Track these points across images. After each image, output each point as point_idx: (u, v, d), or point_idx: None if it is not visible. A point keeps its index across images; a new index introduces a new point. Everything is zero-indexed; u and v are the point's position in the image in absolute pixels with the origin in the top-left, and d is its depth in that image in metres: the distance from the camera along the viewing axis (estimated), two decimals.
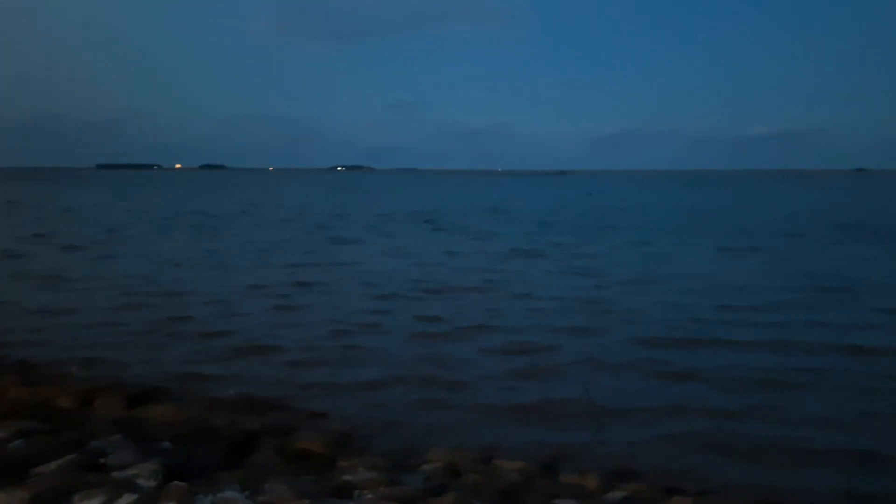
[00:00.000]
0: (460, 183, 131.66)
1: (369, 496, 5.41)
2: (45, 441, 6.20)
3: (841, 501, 6.01)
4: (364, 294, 14.94)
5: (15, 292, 14.82)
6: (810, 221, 36.18)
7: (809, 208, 48.75)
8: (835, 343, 10.85)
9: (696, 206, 53.61)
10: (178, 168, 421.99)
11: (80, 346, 10.55)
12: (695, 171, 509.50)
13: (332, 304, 13.90)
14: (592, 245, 24.88)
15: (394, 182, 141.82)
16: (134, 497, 5.11)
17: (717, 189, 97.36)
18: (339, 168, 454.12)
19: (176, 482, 5.43)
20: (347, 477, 5.84)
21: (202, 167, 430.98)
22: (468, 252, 22.42)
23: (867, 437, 7.37)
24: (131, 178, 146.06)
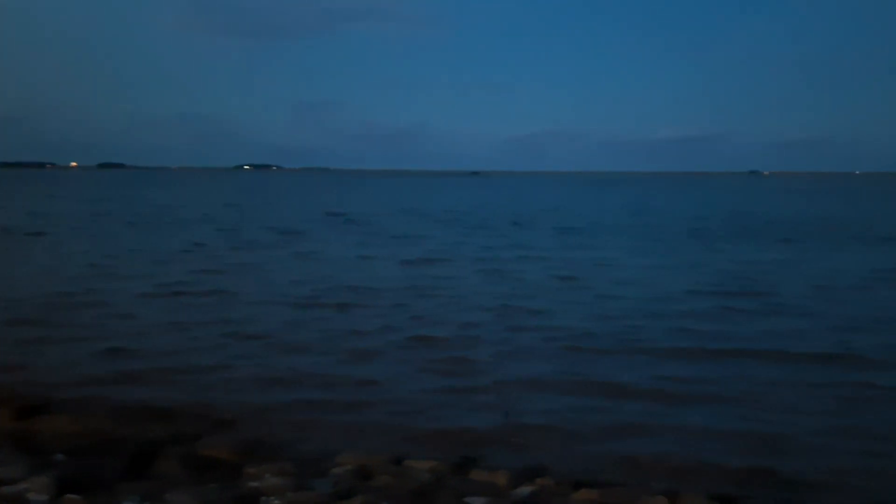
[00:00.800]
0: (373, 183, 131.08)
1: (276, 502, 5.30)
2: None
3: (744, 492, 6.23)
4: (273, 298, 14.59)
5: None
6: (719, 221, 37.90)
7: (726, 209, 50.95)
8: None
9: (628, 206, 55.30)
10: (74, 167, 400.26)
11: None
12: (606, 172, 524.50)
13: (241, 309, 13.55)
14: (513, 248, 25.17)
15: (303, 182, 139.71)
16: None
17: (628, 189, 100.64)
18: (245, 167, 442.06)
19: (70, 495, 5.18)
20: (254, 484, 5.71)
21: (101, 166, 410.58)
22: (383, 255, 22.30)
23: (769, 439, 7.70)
24: (11, 178, 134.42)
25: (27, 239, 26.09)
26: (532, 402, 8.59)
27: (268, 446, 7.06)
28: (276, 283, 16.54)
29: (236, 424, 7.72)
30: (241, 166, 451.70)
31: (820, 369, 9.73)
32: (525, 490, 5.96)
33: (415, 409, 8.34)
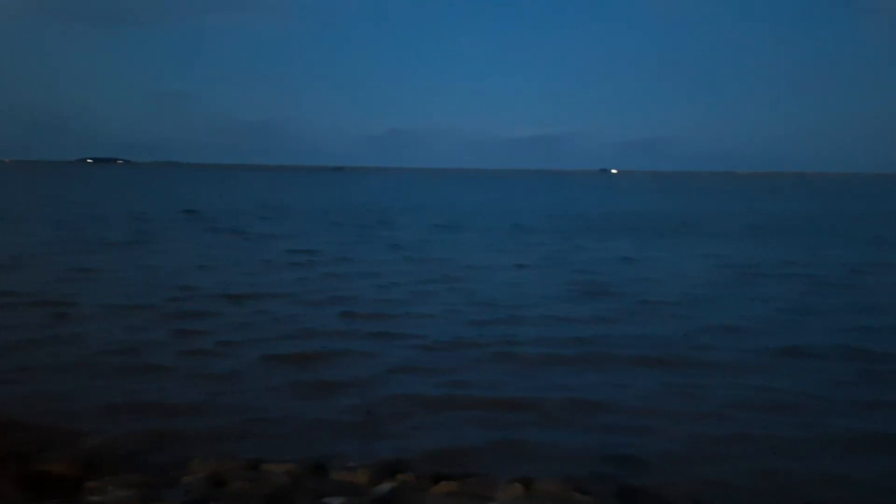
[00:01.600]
0: (226, 178, 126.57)
1: None
2: None
3: (606, 488, 6.51)
4: (123, 307, 13.57)
5: None
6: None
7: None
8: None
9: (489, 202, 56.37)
10: None
11: None
12: (465, 169, 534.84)
13: (94, 317, 12.63)
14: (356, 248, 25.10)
15: (154, 176, 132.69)
16: None
17: (494, 186, 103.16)
18: (87, 160, 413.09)
19: None
20: (95, 498, 5.36)
21: None
22: (237, 256, 21.58)
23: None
24: None
25: None
26: (393, 399, 8.59)
27: (113, 458, 6.64)
28: (116, 289, 15.41)
29: (78, 437, 7.20)
30: (84, 160, 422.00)
31: (668, 370, 10.18)
32: (385, 487, 5.97)
33: (271, 411, 8.13)
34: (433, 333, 11.47)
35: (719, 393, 8.90)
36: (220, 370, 9.60)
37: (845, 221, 39.47)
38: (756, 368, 9.95)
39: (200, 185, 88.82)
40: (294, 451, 6.96)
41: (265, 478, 6.05)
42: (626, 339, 11.34)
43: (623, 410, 8.33)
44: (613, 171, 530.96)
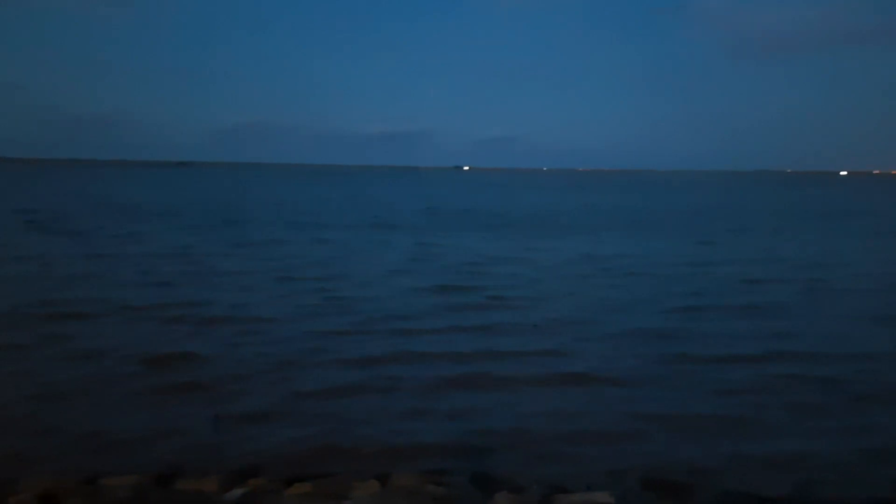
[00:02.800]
0: (48, 174, 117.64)
1: None
2: None
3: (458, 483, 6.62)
4: None
5: None
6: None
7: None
8: None
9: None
10: None
11: None
12: (319, 165, 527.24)
13: None
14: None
15: None
16: None
17: (347, 182, 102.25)
18: None
19: None
20: None
21: None
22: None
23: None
24: None
25: None
26: (243, 403, 8.34)
27: None
28: None
29: None
30: None
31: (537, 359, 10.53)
32: (236, 493, 5.80)
33: (113, 421, 7.65)
34: (282, 337, 11.21)
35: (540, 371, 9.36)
36: (58, 380, 8.92)
37: (669, 216, 42.65)
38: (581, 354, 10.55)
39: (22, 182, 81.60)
40: (138, 461, 6.60)
41: (104, 493, 5.69)
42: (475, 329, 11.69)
43: (481, 402, 8.54)
44: (466, 167, 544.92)
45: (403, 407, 8.29)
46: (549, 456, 7.05)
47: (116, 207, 40.77)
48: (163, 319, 12.18)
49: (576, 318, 12.73)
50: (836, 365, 10.05)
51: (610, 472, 6.67)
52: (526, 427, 7.74)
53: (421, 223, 33.34)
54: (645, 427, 7.82)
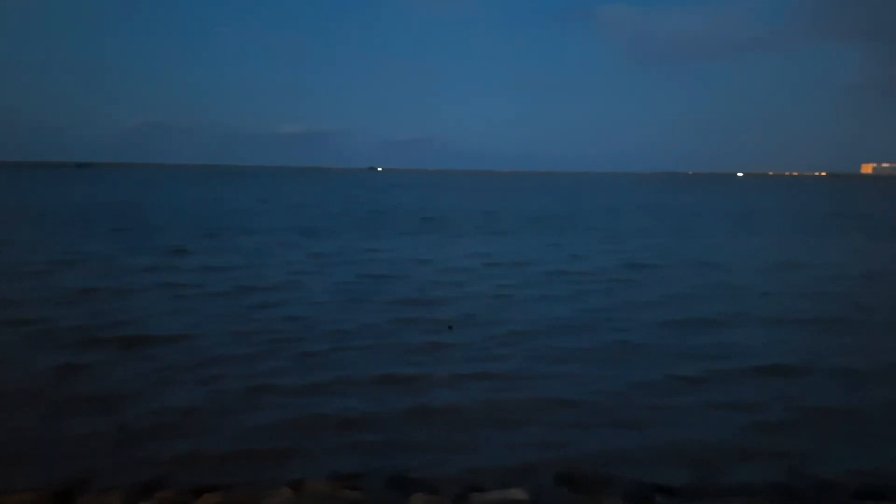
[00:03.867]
0: None
1: None
2: None
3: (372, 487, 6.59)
4: None
5: None
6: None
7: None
8: None
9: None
10: None
11: None
12: (230, 165, 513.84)
13: None
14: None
15: None
16: None
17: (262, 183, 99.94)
18: None
19: None
20: None
21: None
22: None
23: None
24: None
25: None
26: (149, 413, 8.03)
27: None
28: None
29: None
30: None
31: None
32: None
33: (9, 434, 7.23)
34: (190, 347, 10.87)
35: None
36: None
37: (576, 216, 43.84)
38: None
39: None
40: (36, 477, 6.27)
41: None
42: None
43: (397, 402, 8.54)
44: (380, 168, 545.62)
45: (312, 412, 8.18)
46: (463, 453, 7.12)
47: None
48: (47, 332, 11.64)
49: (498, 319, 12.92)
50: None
51: (524, 468, 6.79)
52: (435, 423, 7.81)
53: (341, 227, 33.01)
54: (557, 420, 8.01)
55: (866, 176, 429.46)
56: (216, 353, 10.33)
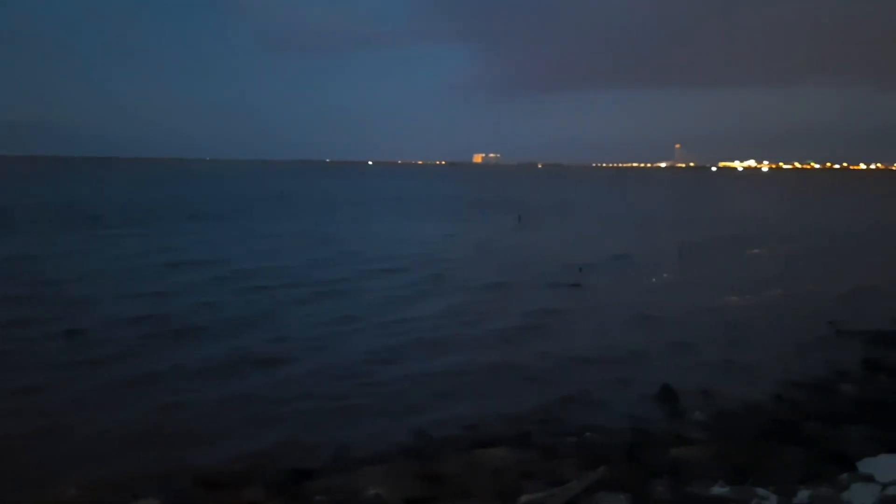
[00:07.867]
0: None
1: None
2: None
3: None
4: None
5: None
6: None
7: None
8: None
9: None
10: None
11: None
12: None
13: None
14: None
15: None
16: None
17: None
18: None
19: None
20: None
21: None
22: None
23: None
24: None
25: None
26: None
27: None
28: None
29: None
30: None
31: None
32: None
33: None
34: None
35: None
36: None
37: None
38: None
39: None
40: None
41: None
42: None
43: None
44: None
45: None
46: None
47: None
48: None
49: None
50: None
51: (159, 477, 6.47)
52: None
53: None
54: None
55: (477, 165, 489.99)
56: None
